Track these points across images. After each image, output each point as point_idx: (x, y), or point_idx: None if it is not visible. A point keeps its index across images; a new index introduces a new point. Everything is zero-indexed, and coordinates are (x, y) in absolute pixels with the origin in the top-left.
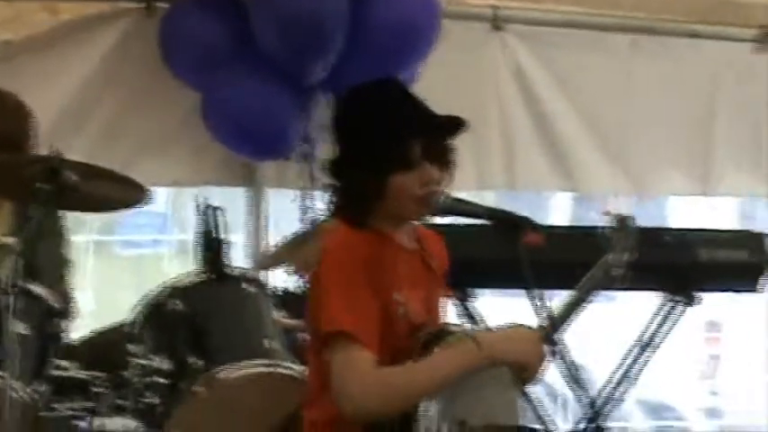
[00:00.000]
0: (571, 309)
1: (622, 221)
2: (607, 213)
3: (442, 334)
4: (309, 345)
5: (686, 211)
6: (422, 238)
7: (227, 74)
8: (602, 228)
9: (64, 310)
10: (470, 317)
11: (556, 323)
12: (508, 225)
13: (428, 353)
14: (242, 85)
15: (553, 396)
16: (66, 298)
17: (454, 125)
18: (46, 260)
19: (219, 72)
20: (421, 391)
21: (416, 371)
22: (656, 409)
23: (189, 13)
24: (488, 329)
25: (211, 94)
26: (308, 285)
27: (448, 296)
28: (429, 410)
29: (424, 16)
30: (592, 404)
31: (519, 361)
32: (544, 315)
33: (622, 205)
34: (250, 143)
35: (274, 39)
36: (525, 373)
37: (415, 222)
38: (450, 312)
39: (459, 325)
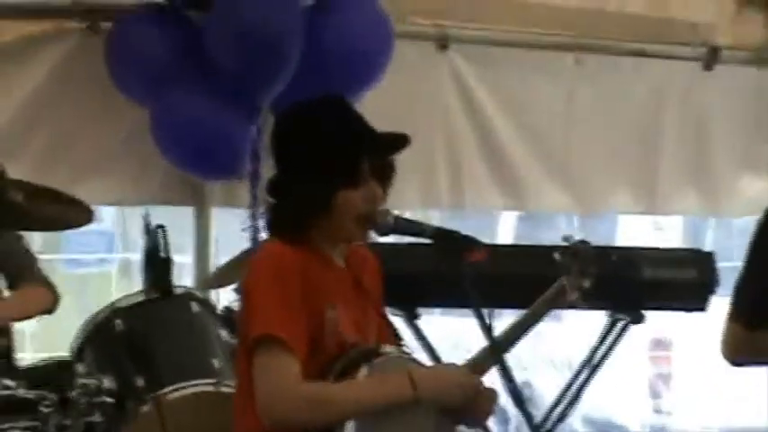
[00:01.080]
0: (521, 329)
1: (578, 249)
2: (566, 238)
3: (370, 354)
4: (238, 355)
5: (636, 230)
6: (355, 258)
7: (177, 91)
8: (560, 250)
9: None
10: (416, 335)
11: (504, 343)
12: (451, 244)
13: (355, 371)
14: (192, 103)
15: (504, 418)
16: None
17: (399, 143)
18: None
19: (168, 89)
20: (345, 413)
21: (344, 392)
22: (602, 427)
23: (135, 29)
24: (420, 365)
25: (160, 112)
26: (239, 294)
27: (393, 314)
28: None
29: (377, 41)
30: (539, 425)
31: (445, 402)
32: (489, 334)
33: (574, 226)
34: (200, 162)
35: (229, 55)
36: (454, 412)
37: (355, 243)
38: (379, 334)
39: (390, 348)
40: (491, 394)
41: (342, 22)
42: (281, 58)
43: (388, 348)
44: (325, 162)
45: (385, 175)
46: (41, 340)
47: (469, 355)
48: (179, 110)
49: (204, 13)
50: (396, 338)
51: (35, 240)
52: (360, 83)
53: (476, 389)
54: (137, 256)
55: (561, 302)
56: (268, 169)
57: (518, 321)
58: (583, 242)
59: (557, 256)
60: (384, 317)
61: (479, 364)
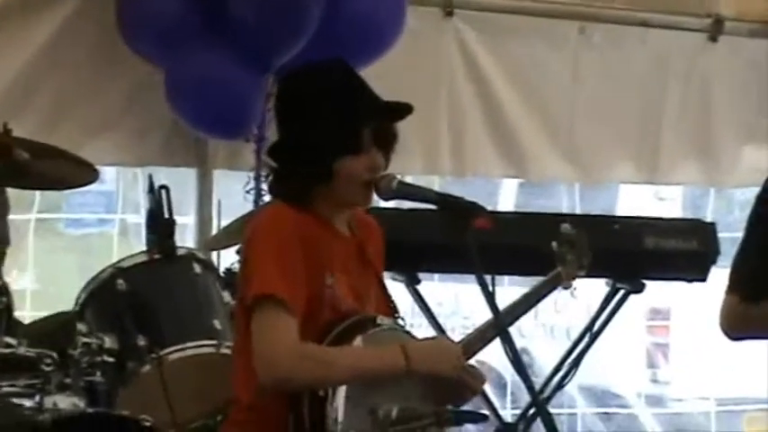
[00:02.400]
0: (518, 312)
1: (575, 238)
2: (564, 227)
3: (366, 324)
4: (237, 314)
5: (637, 200)
6: (359, 225)
7: (193, 50)
8: (558, 240)
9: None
10: (417, 300)
11: (500, 326)
12: (456, 210)
13: (350, 340)
14: (208, 62)
15: (501, 383)
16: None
17: (402, 111)
18: None
19: (184, 48)
20: (340, 377)
21: (341, 357)
22: (599, 396)
23: None
24: (413, 338)
25: (176, 71)
26: (240, 255)
27: (394, 279)
28: (339, 395)
29: (390, 10)
30: (539, 391)
31: (437, 374)
32: (492, 301)
33: (575, 195)
34: (213, 121)
35: (251, 15)
36: (441, 388)
37: (357, 209)
38: (377, 304)
39: (385, 319)
40: (478, 376)
41: None
42: (303, 18)
43: (383, 319)
44: (327, 129)
45: (387, 141)
46: (42, 299)
47: (467, 322)
48: (194, 67)
49: None
50: (392, 310)
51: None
52: (371, 51)
53: (464, 368)
54: (137, 218)
55: (556, 288)
56: (274, 132)
57: (514, 303)
58: (578, 234)
59: (554, 245)
60: (383, 287)
61: (472, 345)
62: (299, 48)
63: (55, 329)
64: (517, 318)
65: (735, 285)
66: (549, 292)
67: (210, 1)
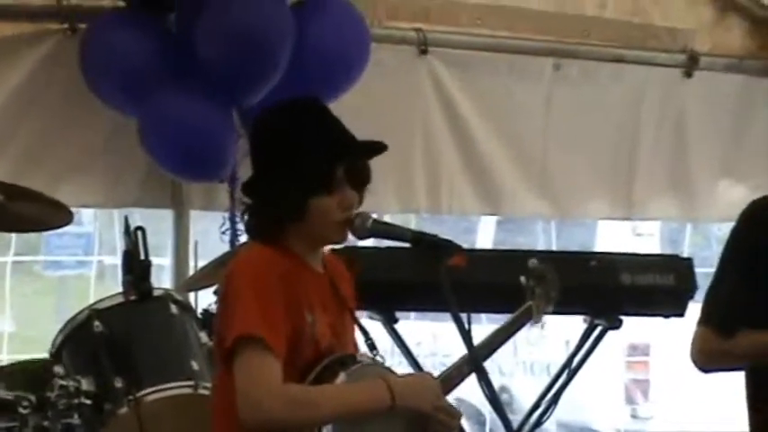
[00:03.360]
0: (491, 346)
1: (543, 273)
2: (532, 262)
3: (347, 361)
4: (215, 359)
5: (615, 236)
6: (328, 263)
7: (161, 94)
8: (526, 276)
9: None
10: (395, 339)
11: (474, 360)
12: (431, 248)
13: (333, 378)
14: (179, 107)
15: (479, 420)
16: None
17: (376, 149)
18: None
19: (152, 93)
20: (324, 417)
21: (324, 396)
22: None
23: (111, 32)
24: (393, 373)
25: (146, 116)
26: (218, 296)
27: (371, 318)
28: None
29: (355, 44)
30: (518, 429)
31: (419, 410)
32: (468, 339)
33: (552, 232)
34: (187, 164)
35: (219, 56)
36: (426, 423)
37: (327, 247)
38: (358, 340)
39: (366, 354)
40: (455, 414)
41: (319, 24)
42: (273, 60)
43: (362, 356)
44: (298, 168)
45: (360, 180)
46: (19, 341)
47: (446, 360)
48: (164, 112)
49: (171, 12)
50: (371, 347)
51: (13, 242)
52: (337, 85)
53: (442, 406)
54: (114, 259)
55: (527, 323)
56: (246, 171)
57: (488, 339)
58: (546, 269)
59: (522, 279)
60: (359, 325)
61: (449, 381)
62: (268, 86)
63: (32, 372)
64: (492, 353)
65: (708, 317)
66: (521, 326)
67: (178, 45)
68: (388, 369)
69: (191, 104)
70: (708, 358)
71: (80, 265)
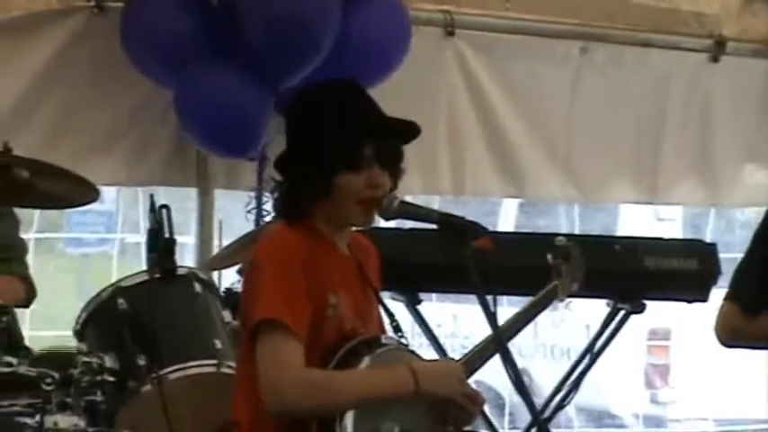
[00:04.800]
0: (515, 327)
1: (569, 252)
2: (559, 240)
3: (371, 344)
4: (240, 341)
5: (637, 220)
6: (356, 245)
7: (201, 70)
8: (552, 253)
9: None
10: (417, 321)
11: (499, 341)
12: (456, 230)
13: (357, 361)
14: (218, 83)
15: (499, 402)
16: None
17: (408, 130)
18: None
19: (193, 68)
20: (348, 403)
21: (349, 382)
22: (597, 417)
23: (154, 8)
24: (418, 357)
25: (184, 89)
26: (243, 277)
27: (394, 299)
28: (347, 421)
29: (397, 40)
30: (540, 411)
31: (443, 396)
32: (494, 321)
33: (575, 215)
34: (221, 141)
35: (262, 36)
36: (448, 408)
37: (354, 228)
38: (378, 323)
39: (390, 338)
40: (479, 400)
41: (364, 15)
42: (317, 45)
43: (388, 339)
44: (326, 144)
45: (391, 160)
46: (41, 318)
47: (466, 342)
48: (203, 88)
49: None
50: (395, 329)
51: (36, 219)
52: (374, 77)
53: (466, 392)
54: (136, 237)
55: (552, 303)
56: (277, 152)
57: (511, 320)
58: (571, 248)
59: (549, 258)
60: (384, 307)
61: (471, 363)
62: (309, 70)
63: (56, 351)
64: (515, 334)
65: (735, 294)
66: (545, 306)
67: (221, 21)
68: (413, 352)
69: (228, 79)
70: (730, 334)
71: (102, 242)
